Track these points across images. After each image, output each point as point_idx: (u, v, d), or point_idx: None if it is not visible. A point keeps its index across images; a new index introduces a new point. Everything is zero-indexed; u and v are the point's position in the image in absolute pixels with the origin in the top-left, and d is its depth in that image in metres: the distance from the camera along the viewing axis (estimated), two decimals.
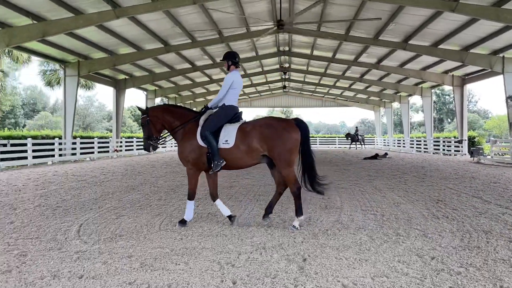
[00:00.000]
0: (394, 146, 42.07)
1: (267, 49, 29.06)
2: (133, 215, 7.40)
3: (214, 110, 6.72)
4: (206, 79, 35.98)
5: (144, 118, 6.90)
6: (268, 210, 6.70)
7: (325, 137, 59.85)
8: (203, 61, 29.48)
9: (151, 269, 4.47)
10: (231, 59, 6.83)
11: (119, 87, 30.61)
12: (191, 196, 6.60)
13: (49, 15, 16.98)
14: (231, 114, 6.56)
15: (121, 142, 29.88)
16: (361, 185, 11.66)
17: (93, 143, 25.88)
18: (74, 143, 23.80)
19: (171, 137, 7.00)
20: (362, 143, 46.05)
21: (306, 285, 4.07)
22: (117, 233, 6.06)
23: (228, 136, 6.34)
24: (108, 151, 27.62)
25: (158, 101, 51.20)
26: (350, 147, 45.98)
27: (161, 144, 7.18)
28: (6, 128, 36.57)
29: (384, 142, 46.58)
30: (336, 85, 41.04)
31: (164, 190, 10.83)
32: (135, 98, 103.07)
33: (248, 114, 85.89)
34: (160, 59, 26.87)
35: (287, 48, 29.41)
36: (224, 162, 6.36)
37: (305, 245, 5.42)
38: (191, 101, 46.29)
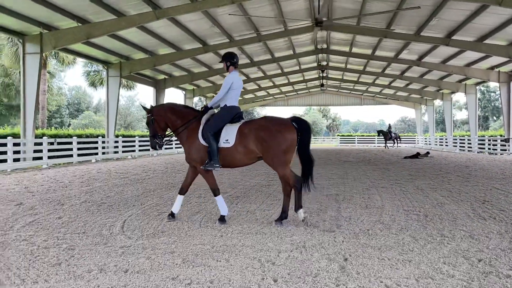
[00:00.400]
0: (436, 145, 40.84)
1: (305, 47, 28.88)
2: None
3: (216, 111, 6.86)
4: (243, 78, 36.13)
5: (149, 117, 7.06)
6: (298, 209, 6.48)
7: (363, 135, 58.87)
8: (240, 60, 29.57)
9: (193, 265, 4.54)
10: (230, 60, 6.88)
11: (159, 87, 31.27)
12: (216, 192, 6.73)
13: (93, 17, 17.57)
14: (232, 115, 6.67)
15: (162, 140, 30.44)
16: (402, 185, 11.39)
17: (134, 141, 26.59)
18: (116, 142, 24.54)
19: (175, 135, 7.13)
20: (398, 140, 43.74)
21: (348, 284, 4.02)
22: (159, 229, 6.19)
23: (228, 136, 6.44)
24: (148, 149, 28.28)
25: (196, 100, 51.96)
26: (386, 146, 43.36)
27: (167, 143, 7.28)
28: (52, 127, 38.11)
29: (426, 141, 45.28)
30: (375, 82, 40.29)
31: (203, 187, 10.95)
32: (174, 97, 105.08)
33: (285, 112, 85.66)
34: (198, 59, 27.26)
35: (325, 46, 29.13)
36: (220, 167, 6.49)
37: (346, 245, 5.35)
38: None
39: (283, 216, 6.55)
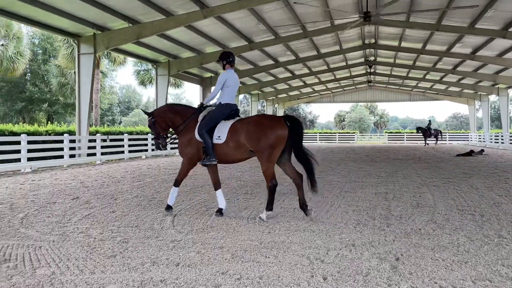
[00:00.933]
0: (491, 142, 38.90)
1: (352, 42, 28.36)
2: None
3: (213, 108, 7.04)
4: (289, 74, 36.05)
5: (150, 120, 7.37)
6: (304, 207, 6.60)
7: (412, 133, 57.05)
8: (286, 57, 29.57)
9: (242, 260, 4.58)
10: (226, 59, 7.08)
11: (205, 84, 31.74)
12: (176, 184, 7.16)
13: (143, 18, 18.08)
14: (227, 112, 6.90)
15: None
16: (455, 183, 10.95)
17: None
18: None
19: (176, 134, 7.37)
20: (439, 138, 41.02)
21: (400, 285, 3.91)
22: (208, 225, 6.30)
23: (221, 133, 6.67)
24: None
25: (241, 98, 52.37)
26: (425, 144, 40.27)
27: (170, 142, 7.63)
28: (105, 125, 39.64)
29: (479, 138, 43.24)
30: (425, 77, 38.91)
31: (250, 184, 11.05)
32: None
33: (331, 109, 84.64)
34: (244, 57, 27.41)
35: (373, 41, 28.46)
36: (216, 162, 6.78)
37: (397, 244, 5.22)
38: (273, 97, 46.71)
39: (304, 207, 6.60)
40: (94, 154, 18.90)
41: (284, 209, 7.57)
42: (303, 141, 6.62)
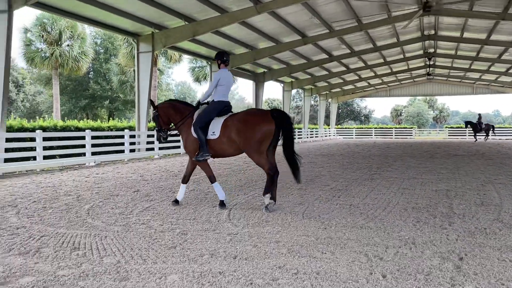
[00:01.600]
0: None
1: (410, 34, 27.34)
2: (276, 203, 7.65)
3: (207, 105, 7.40)
4: (343, 68, 35.41)
5: (154, 112, 7.72)
6: (265, 194, 6.94)
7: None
8: (340, 51, 29.04)
9: (298, 255, 4.58)
10: (220, 58, 7.43)
11: (258, 80, 31.90)
12: (212, 180, 7.43)
13: (199, 15, 18.43)
14: (219, 108, 7.22)
15: None
16: None
17: None
18: None
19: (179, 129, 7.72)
20: (490, 132, 38.37)
21: (464, 285, 3.75)
22: (263, 219, 6.35)
23: (215, 128, 7.05)
24: None
25: (293, 93, 52.16)
26: (475, 139, 38.30)
27: (170, 135, 8.01)
28: None
29: None
30: (490, 69, 36.78)
31: (304, 180, 10.97)
32: (273, 90, 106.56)
33: (387, 103, 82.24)
34: (297, 51, 27.25)
35: (432, 32, 27.29)
36: (209, 157, 7.19)
37: (460, 243, 5.00)
38: (327, 92, 46.09)
39: (272, 197, 7.01)
40: (153, 149, 19.58)
41: (340, 205, 7.47)
42: (293, 134, 7.06)
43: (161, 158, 18.59)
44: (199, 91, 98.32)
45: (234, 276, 3.94)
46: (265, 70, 31.62)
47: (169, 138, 20.44)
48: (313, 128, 45.53)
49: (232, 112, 7.40)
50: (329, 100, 50.05)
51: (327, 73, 36.51)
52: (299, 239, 5.22)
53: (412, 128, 53.88)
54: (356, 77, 40.94)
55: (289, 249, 4.80)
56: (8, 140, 13.25)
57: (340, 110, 67.29)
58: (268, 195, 6.88)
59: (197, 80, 40.95)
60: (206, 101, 7.63)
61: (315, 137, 43.33)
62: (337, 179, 11.04)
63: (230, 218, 6.43)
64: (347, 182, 10.54)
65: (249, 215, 6.65)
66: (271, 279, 3.90)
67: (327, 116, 52.87)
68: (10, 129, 14.33)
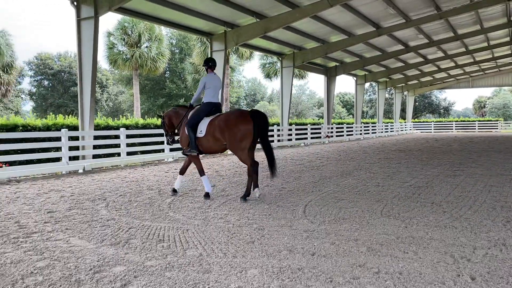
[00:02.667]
0: None
1: (495, 20, 25.36)
2: (352, 200, 7.52)
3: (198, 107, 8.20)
4: (420, 59, 33.80)
5: (161, 120, 8.85)
6: (247, 192, 7.64)
7: None
8: (418, 41, 27.72)
9: (379, 254, 4.46)
10: (206, 64, 8.31)
11: (330, 74, 31.42)
12: (201, 173, 8.10)
13: (269, 12, 18.51)
14: (208, 109, 7.99)
15: (332, 128, 30.74)
16: None
17: (306, 129, 27.35)
18: (290, 130, 25.62)
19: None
20: None
21: None
22: (340, 216, 6.25)
23: (202, 127, 7.79)
24: (319, 137, 28.78)
25: (367, 86, 50.75)
26: None
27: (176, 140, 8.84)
28: None
29: None
30: None
31: (381, 176, 10.67)
32: (345, 84, 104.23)
33: (469, 95, 77.17)
34: (371, 43, 26.45)
35: None
36: (195, 153, 7.90)
37: None
38: (403, 84, 44.29)
39: (246, 193, 7.62)
40: None
41: (421, 203, 7.16)
42: (268, 132, 7.72)
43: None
44: (269, 87, 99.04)
45: (314, 273, 3.93)
46: (337, 64, 31.06)
47: None
48: (388, 122, 44.01)
49: (221, 112, 8.16)
50: (405, 92, 48.04)
51: (403, 64, 35.05)
52: (378, 238, 5.08)
53: (497, 120, 50.07)
54: (435, 68, 38.88)
55: (369, 247, 4.69)
56: (95, 137, 14.26)
57: (417, 103, 64.36)
58: (257, 189, 7.64)
59: (268, 76, 41.15)
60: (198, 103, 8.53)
61: (390, 131, 41.85)
62: (417, 176, 10.58)
63: (306, 214, 6.41)
64: (427, 178, 10.07)
65: (325, 212, 6.58)
66: (352, 277, 3.84)
67: (403, 110, 50.81)
68: (97, 127, 15.41)
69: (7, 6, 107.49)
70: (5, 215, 6.57)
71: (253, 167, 7.54)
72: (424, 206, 6.90)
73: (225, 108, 31.11)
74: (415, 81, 44.87)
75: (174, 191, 8.33)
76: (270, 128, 23.83)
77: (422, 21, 22.27)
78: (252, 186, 7.66)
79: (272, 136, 23.94)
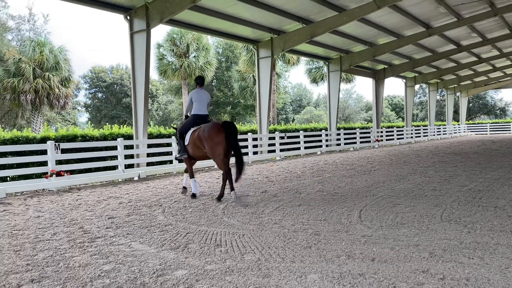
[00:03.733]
0: None
1: None
2: (409, 204, 7.31)
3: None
4: (474, 59, 32.43)
5: (174, 131, 10.26)
6: (221, 195, 8.59)
7: None
8: (471, 40, 26.63)
9: (442, 260, 4.31)
10: (196, 81, 9.43)
11: (378, 77, 30.81)
12: (191, 176, 9.19)
13: (316, 16, 18.46)
14: (193, 121, 9.01)
15: (381, 132, 30.06)
16: None
17: (355, 133, 26.91)
18: (338, 134, 25.31)
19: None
20: None
21: None
22: (397, 221, 6.10)
23: (188, 136, 8.87)
24: (369, 141, 28.22)
25: (417, 88, 49.22)
26: None
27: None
28: (282, 123, 41.76)
29: None
30: None
31: (437, 180, 10.30)
32: (393, 87, 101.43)
33: None
34: (420, 44, 25.71)
35: None
36: (186, 156, 9.01)
37: None
38: (455, 85, 42.66)
39: (220, 195, 8.57)
40: (274, 151, 20.10)
41: (483, 207, 6.85)
42: (237, 140, 8.44)
43: (282, 160, 18.97)
44: (315, 92, 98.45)
45: (375, 279, 3.85)
46: (385, 66, 30.42)
47: (289, 140, 21.02)
48: (440, 125, 42.47)
49: (206, 122, 8.92)
50: (458, 94, 46.20)
51: (455, 65, 33.77)
52: (440, 243, 4.91)
53: None
54: (490, 67, 37.16)
55: (431, 253, 4.54)
56: (149, 146, 14.74)
57: (470, 104, 61.71)
58: (233, 192, 8.33)
59: (314, 81, 40.92)
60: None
61: (443, 134, 40.35)
62: (476, 179, 10.13)
63: (362, 219, 6.30)
64: (487, 182, 9.62)
65: (381, 216, 6.44)
66: (416, 283, 3.73)
67: (456, 111, 48.86)
68: (150, 136, 15.92)
69: (64, 23, 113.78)
70: (69, 221, 6.91)
71: (227, 173, 8.32)
72: (486, 210, 6.60)
73: (272, 114, 31.23)
74: (469, 82, 43.06)
75: (193, 195, 9.02)
76: (318, 133, 23.73)
77: (475, 19, 21.43)
78: (226, 188, 8.65)
79: (320, 141, 23.75)
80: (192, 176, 9.18)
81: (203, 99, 9.15)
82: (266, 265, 4.33)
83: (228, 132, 8.21)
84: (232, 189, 8.34)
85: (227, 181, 8.39)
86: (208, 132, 8.34)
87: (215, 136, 8.25)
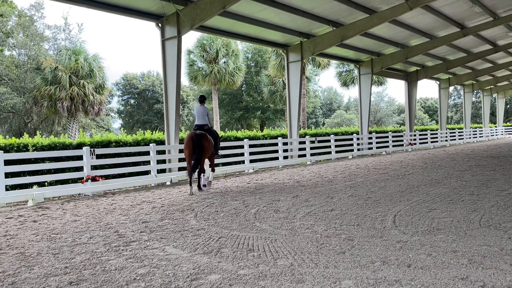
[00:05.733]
0: None
1: None
2: (446, 209, 7.11)
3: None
4: (511, 59, 31.33)
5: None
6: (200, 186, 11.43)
7: None
8: (508, 39, 25.82)
9: (482, 267, 4.16)
10: (198, 99, 12.09)
11: (411, 79, 30.22)
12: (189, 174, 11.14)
13: (346, 19, 18.30)
14: (193, 128, 11.61)
15: (414, 135, 29.43)
16: None
17: (387, 137, 26.44)
18: (370, 138, 24.93)
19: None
20: None
21: None
22: (433, 227, 5.94)
23: None
24: (402, 145, 27.67)
25: (451, 90, 48.02)
26: None
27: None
28: (312, 127, 41.48)
29: None
30: None
31: (474, 184, 9.98)
32: (427, 89, 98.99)
33: None
34: (454, 45, 25.09)
35: None
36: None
37: None
38: (491, 86, 41.37)
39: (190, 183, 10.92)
40: (304, 155, 19.99)
41: None
42: (200, 147, 10.82)
43: (313, 164, 18.83)
44: (345, 96, 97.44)
45: (412, 285, 3.76)
46: (418, 68, 29.81)
47: (319, 144, 21.02)
48: (476, 127, 41.21)
49: (200, 131, 11.18)
50: (495, 95, 44.76)
51: (492, 65, 32.76)
52: (479, 249, 4.74)
53: None
54: None
55: (470, 259, 4.40)
56: (180, 151, 14.93)
57: (508, 106, 59.63)
58: (200, 184, 11.38)
59: (345, 84, 40.54)
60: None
61: (479, 137, 39.12)
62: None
63: (396, 225, 6.17)
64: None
65: (416, 222, 6.29)
66: None
67: (493, 113, 47.33)
68: (181, 141, 16.11)
69: (98, 32, 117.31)
70: (105, 225, 7.07)
71: (192, 171, 10.72)
72: None
73: (302, 119, 31.09)
74: (506, 82, 41.65)
75: (206, 185, 11.55)
76: (349, 137, 23.43)
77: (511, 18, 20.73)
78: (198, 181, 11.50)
79: (352, 145, 23.46)
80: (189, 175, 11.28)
81: (200, 113, 11.71)
82: (299, 270, 4.29)
83: (194, 140, 10.74)
84: (198, 185, 11.39)
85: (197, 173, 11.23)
86: (185, 138, 11.07)
87: (186, 142, 10.93)
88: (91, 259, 5.01)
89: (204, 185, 11.40)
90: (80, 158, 12.11)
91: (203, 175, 11.36)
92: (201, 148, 10.76)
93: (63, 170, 12.09)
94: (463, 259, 4.42)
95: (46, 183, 11.97)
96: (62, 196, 10.96)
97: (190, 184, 10.76)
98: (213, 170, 12.36)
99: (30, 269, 4.72)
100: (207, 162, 12.33)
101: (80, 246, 5.68)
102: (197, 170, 10.87)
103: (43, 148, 12.78)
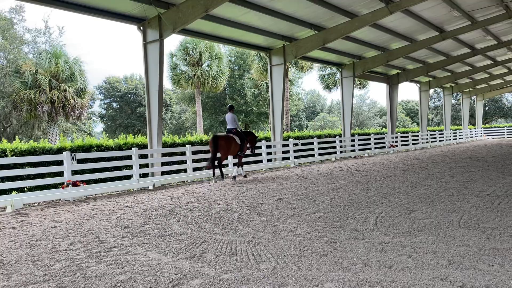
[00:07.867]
0: None
1: None
2: (426, 211, 7.22)
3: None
4: (489, 62, 32.06)
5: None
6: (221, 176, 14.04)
7: None
8: (485, 43, 26.36)
9: (461, 267, 4.23)
10: (228, 109, 14.53)
11: (392, 82, 30.60)
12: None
13: (327, 23, 18.47)
14: (226, 131, 14.35)
15: (396, 137, 29.79)
16: None
17: (369, 139, 26.71)
18: (352, 140, 25.15)
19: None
20: None
21: None
22: (414, 228, 6.02)
23: None
24: (384, 147, 27.99)
25: (431, 92, 48.75)
26: None
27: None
28: (295, 130, 41.67)
29: None
30: None
31: (454, 185, 10.16)
32: (407, 91, 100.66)
33: None
34: (434, 48, 25.53)
35: None
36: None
37: None
38: (470, 89, 42.16)
39: (220, 176, 14.02)
40: (288, 158, 20.05)
41: (502, 213, 6.73)
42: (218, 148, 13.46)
43: (297, 167, 18.91)
44: (328, 98, 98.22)
45: (393, 287, 3.80)
46: (399, 71, 30.22)
47: (303, 147, 21.18)
48: (456, 129, 41.95)
49: (229, 133, 14.01)
50: (474, 97, 45.65)
51: (470, 68, 33.40)
52: (459, 250, 4.82)
53: None
54: (506, 70, 36.69)
55: (450, 260, 4.47)
56: (163, 155, 14.84)
57: (486, 108, 60.91)
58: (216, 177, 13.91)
59: (327, 87, 40.84)
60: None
61: (459, 138, 39.84)
62: (494, 184, 9.96)
63: (378, 226, 6.24)
64: (506, 187, 9.45)
65: (397, 223, 6.37)
66: None
67: (472, 115, 48.25)
68: (164, 145, 16.01)
69: (78, 35, 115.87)
70: (85, 231, 6.97)
71: (210, 165, 13.51)
72: (506, 216, 6.48)
73: (285, 121, 31.20)
74: (484, 85, 42.53)
75: (234, 178, 14.13)
76: (332, 139, 23.62)
77: (489, 22, 21.21)
78: (221, 174, 14.07)
79: (334, 147, 23.64)
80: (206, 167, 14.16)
81: (229, 119, 14.31)
82: (282, 273, 4.30)
83: (213, 139, 13.43)
84: (220, 175, 14.00)
85: (218, 169, 13.86)
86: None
87: (210, 143, 13.55)
88: (71, 266, 4.93)
89: (235, 177, 14.13)
90: (60, 163, 11.92)
91: (237, 169, 14.71)
92: (217, 145, 13.32)
93: (43, 175, 11.90)
94: (442, 260, 4.48)
95: (25, 189, 11.76)
96: (42, 202, 10.77)
97: (214, 175, 13.71)
98: (241, 167, 14.87)
99: (8, 277, 4.63)
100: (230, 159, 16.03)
101: (60, 252, 5.59)
102: (216, 162, 13.55)
103: (22, 153, 12.54)
